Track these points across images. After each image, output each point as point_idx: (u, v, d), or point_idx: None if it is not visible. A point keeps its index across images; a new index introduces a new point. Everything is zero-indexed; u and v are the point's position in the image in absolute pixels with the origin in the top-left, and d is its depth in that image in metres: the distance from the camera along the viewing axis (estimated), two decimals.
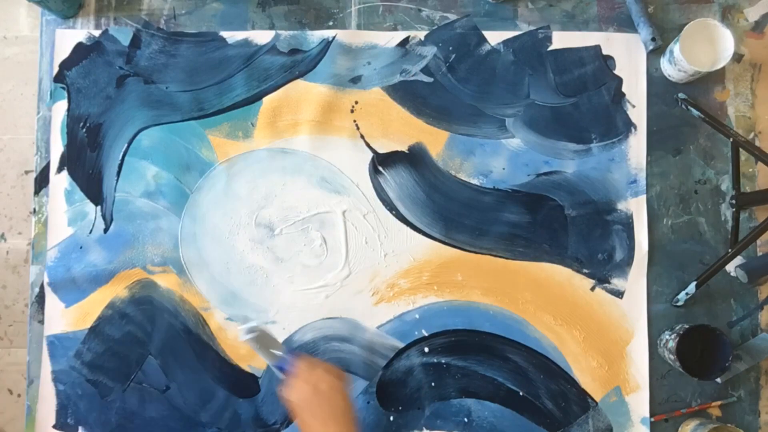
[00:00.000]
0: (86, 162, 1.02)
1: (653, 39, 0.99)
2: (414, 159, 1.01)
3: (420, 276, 1.00)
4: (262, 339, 0.83)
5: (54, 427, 0.98)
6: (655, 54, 1.02)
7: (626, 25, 1.03)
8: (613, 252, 0.99)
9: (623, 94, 1.01)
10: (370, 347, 0.99)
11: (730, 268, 0.96)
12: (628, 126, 1.01)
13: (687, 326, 0.92)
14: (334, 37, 1.02)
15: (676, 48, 0.95)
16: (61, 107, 1.02)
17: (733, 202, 0.96)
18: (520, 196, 1.00)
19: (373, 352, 0.98)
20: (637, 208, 1.00)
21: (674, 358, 0.91)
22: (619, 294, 0.99)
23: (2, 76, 1.52)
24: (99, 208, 1.01)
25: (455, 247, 1.00)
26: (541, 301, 0.99)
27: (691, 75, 0.97)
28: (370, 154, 1.01)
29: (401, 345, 0.98)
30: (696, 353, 0.96)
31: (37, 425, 0.98)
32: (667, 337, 0.95)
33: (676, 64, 0.96)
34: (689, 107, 0.99)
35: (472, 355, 0.98)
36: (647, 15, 1.00)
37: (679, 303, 0.97)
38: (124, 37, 1.03)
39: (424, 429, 0.97)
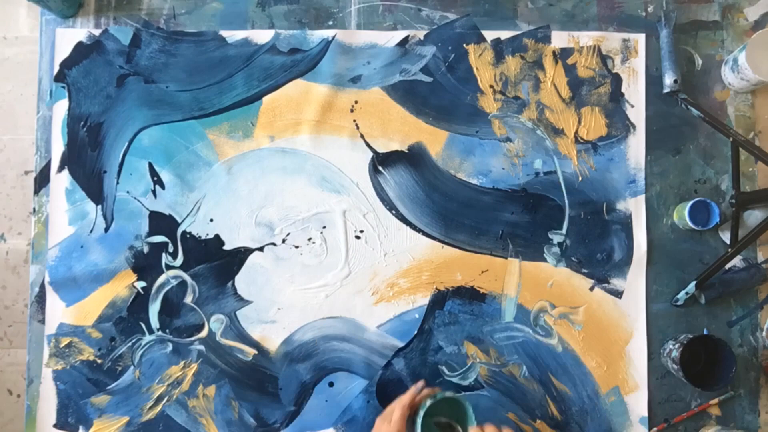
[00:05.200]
0: (87, 161, 1.02)
1: (675, 81, 0.98)
2: (414, 159, 1.01)
3: (420, 275, 1.00)
4: None
5: (55, 426, 0.98)
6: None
7: (626, 24, 1.03)
8: (611, 252, 0.99)
9: (622, 94, 1.02)
10: (370, 347, 0.99)
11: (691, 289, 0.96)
12: (627, 126, 1.01)
13: (690, 336, 0.92)
14: (333, 37, 1.03)
15: (741, 56, 0.95)
16: (61, 106, 1.02)
17: (733, 201, 0.96)
18: (520, 195, 1.00)
19: (372, 352, 0.99)
20: (635, 207, 1.00)
21: (678, 368, 0.91)
22: (618, 294, 0.99)
23: (2, 76, 1.52)
24: (100, 207, 1.01)
25: (455, 246, 1.00)
26: (540, 300, 0.99)
27: (754, 84, 0.97)
28: (370, 154, 1.02)
29: (401, 344, 0.99)
30: (699, 362, 0.95)
31: (37, 425, 0.98)
32: (671, 346, 0.94)
33: (740, 73, 0.96)
34: (689, 107, 0.99)
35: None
36: (676, 58, 0.99)
37: (679, 302, 0.97)
38: (124, 36, 1.03)
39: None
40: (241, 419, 0.98)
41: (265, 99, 1.02)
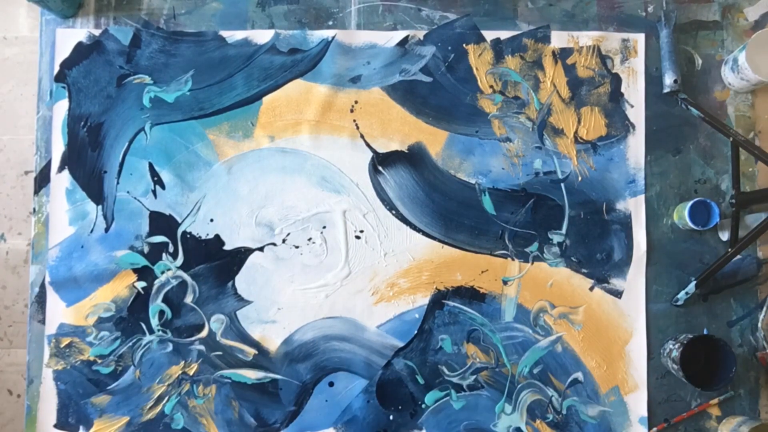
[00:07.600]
0: (87, 161, 1.02)
1: (675, 81, 0.98)
2: (413, 159, 1.01)
3: (420, 275, 1.00)
4: None
5: (55, 426, 0.98)
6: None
7: (625, 24, 1.03)
8: (611, 252, 0.99)
9: (621, 94, 1.02)
10: (370, 346, 0.99)
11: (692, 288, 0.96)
12: (627, 126, 1.01)
13: (690, 336, 0.92)
14: (333, 37, 1.03)
15: (741, 56, 0.95)
16: (62, 106, 1.02)
17: (733, 201, 0.96)
18: (519, 195, 1.01)
19: (372, 352, 0.99)
20: (635, 207, 1.00)
21: (678, 367, 0.91)
22: (617, 294, 0.99)
23: (2, 76, 1.52)
24: (100, 207, 1.01)
25: (455, 246, 1.00)
26: (540, 300, 0.99)
27: (754, 84, 0.97)
28: (370, 154, 1.02)
29: (401, 344, 0.99)
30: (699, 362, 0.95)
31: (37, 425, 0.98)
32: (671, 346, 0.94)
33: (740, 73, 0.96)
34: (689, 107, 0.99)
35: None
36: (676, 58, 0.99)
37: (679, 302, 0.97)
38: (124, 36, 1.03)
39: (423, 428, 0.97)
40: (241, 419, 0.98)
41: (265, 99, 1.02)
